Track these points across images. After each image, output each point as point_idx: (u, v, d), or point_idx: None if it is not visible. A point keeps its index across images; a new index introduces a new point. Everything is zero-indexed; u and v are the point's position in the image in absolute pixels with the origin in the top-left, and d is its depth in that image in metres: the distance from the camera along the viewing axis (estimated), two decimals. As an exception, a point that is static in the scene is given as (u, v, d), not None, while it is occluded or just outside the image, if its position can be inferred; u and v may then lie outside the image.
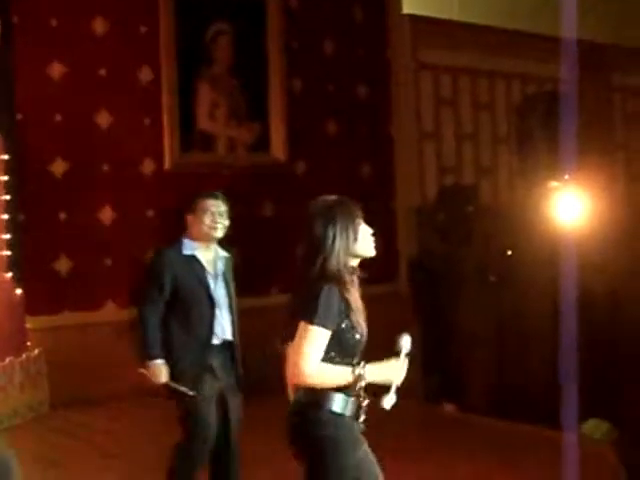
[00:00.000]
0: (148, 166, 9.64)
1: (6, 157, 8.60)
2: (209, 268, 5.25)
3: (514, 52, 12.91)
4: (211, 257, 5.28)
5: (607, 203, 8.24)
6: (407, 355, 3.63)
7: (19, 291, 8.65)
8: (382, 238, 11.82)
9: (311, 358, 3.42)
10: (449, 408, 8.58)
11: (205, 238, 5.24)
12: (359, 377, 3.51)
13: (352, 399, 3.54)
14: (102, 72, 9.35)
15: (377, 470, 3.63)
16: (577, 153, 8.44)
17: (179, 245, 5.25)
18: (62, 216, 9.20)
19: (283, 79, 10.50)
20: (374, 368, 3.55)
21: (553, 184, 5.13)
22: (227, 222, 5.27)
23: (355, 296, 3.59)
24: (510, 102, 13.18)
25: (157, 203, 9.61)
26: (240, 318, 5.51)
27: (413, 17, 11.91)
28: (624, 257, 8.50)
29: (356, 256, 3.65)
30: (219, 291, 5.26)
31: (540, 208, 6.76)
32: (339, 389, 3.52)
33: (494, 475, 6.51)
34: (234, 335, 5.32)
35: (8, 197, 8.62)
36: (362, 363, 3.53)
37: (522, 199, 11.40)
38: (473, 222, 9.56)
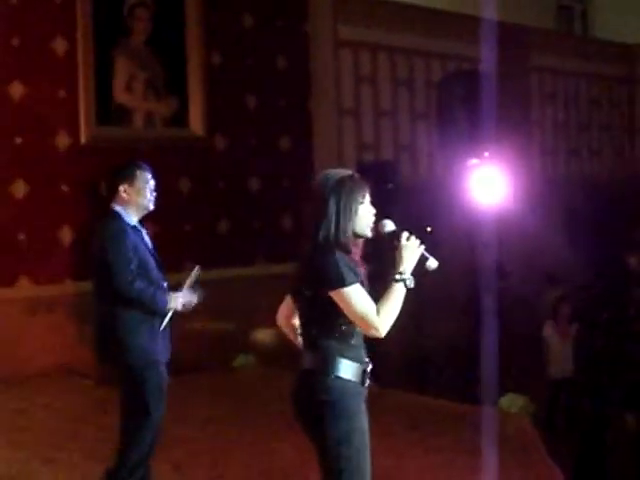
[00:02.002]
0: (63, 139, 9.43)
1: None
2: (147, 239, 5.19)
3: (433, 31, 12.97)
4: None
5: (523, 179, 8.34)
6: (397, 232, 3.76)
7: None
8: (300, 217, 11.80)
9: (370, 313, 3.60)
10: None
11: (143, 210, 5.14)
12: (405, 281, 3.67)
13: (357, 365, 3.69)
14: (15, 42, 9.10)
15: (367, 440, 3.74)
16: (496, 131, 8.52)
17: (120, 215, 5.07)
18: (-27, 190, 8.98)
19: (202, 52, 10.36)
20: (404, 264, 3.68)
21: (473, 161, 5.13)
22: None
23: (359, 268, 3.71)
24: (429, 80, 13.24)
25: (72, 177, 9.43)
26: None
27: (333, -8, 11.88)
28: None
29: (353, 233, 3.72)
30: None
31: (460, 185, 6.81)
32: (345, 355, 3.67)
33: (410, 450, 6.55)
34: None
35: None
36: (397, 274, 3.66)
37: (442, 176, 11.50)
38: (392, 199, 9.57)
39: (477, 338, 7.55)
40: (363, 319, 3.59)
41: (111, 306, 4.98)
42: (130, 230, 5.06)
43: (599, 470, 8.22)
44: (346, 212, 3.66)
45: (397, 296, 3.66)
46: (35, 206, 9.22)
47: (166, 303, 5.06)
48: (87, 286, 9.22)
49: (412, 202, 9.77)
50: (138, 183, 5.12)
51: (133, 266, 4.96)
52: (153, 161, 9.76)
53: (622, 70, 17.02)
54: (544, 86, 15.42)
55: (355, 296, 3.59)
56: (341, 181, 3.71)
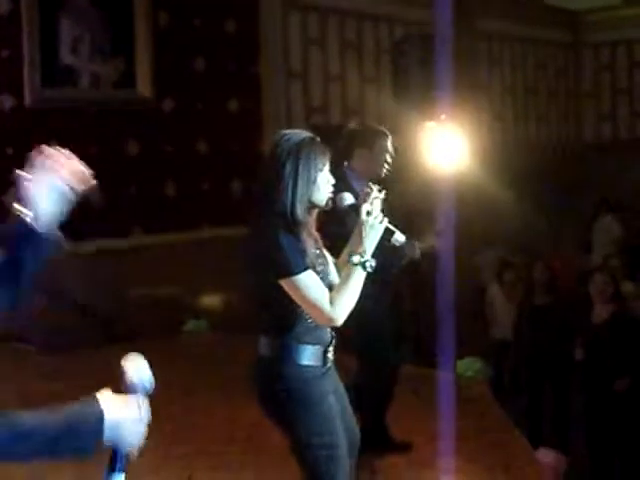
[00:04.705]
0: (7, 101, 9.21)
1: None
2: None
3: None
4: None
5: (474, 144, 8.33)
6: (357, 205, 3.50)
7: None
8: (249, 180, 11.62)
9: (323, 302, 3.31)
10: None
11: (374, 177, 4.94)
12: (365, 264, 3.36)
13: (318, 347, 3.45)
14: (-44, 0, 8.87)
15: (338, 424, 3.51)
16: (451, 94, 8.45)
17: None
18: None
19: (149, 13, 10.16)
20: (364, 243, 3.36)
21: (429, 124, 5.09)
22: None
23: (309, 242, 3.42)
24: (378, 44, 13.17)
25: (17, 140, 9.22)
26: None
27: (281, -46, 11.74)
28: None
29: (310, 203, 3.42)
30: None
31: (416, 148, 6.78)
32: (303, 340, 3.41)
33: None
34: None
35: None
36: (356, 256, 3.35)
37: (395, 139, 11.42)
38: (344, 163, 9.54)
39: (440, 299, 7.52)
40: (315, 308, 3.30)
41: None
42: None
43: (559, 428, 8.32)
44: (304, 179, 3.35)
45: (355, 281, 3.35)
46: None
47: None
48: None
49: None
50: (377, 148, 5.03)
51: None
52: (100, 123, 9.76)
53: (568, 36, 17.10)
54: (491, 51, 15.44)
55: (305, 284, 3.27)
56: (300, 144, 3.39)
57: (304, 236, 3.39)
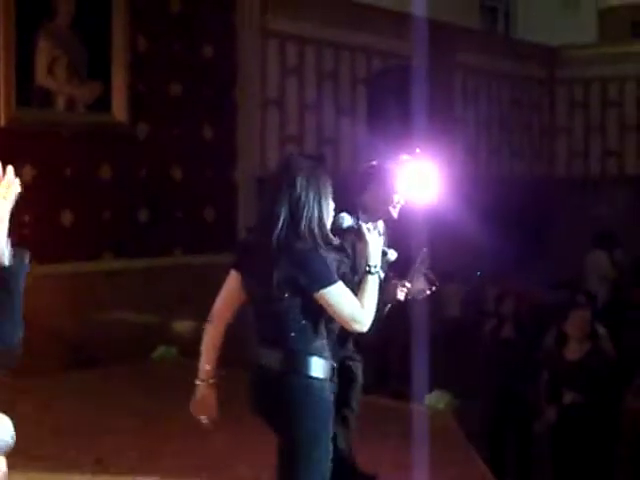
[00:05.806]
0: (-19, 121, 9.17)
1: None
2: None
3: (360, 25, 12.95)
4: None
5: (448, 177, 8.36)
6: (356, 226, 3.88)
7: None
8: (222, 207, 11.58)
9: (356, 310, 3.57)
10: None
11: (383, 214, 4.99)
12: (377, 271, 3.70)
13: (327, 361, 3.62)
14: None
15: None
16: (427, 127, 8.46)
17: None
18: None
19: (127, 37, 10.14)
20: (373, 256, 3.69)
21: (404, 157, 5.10)
22: None
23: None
24: (355, 74, 13.22)
25: (-10, 160, 9.17)
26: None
27: (261, -17, 11.78)
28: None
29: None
30: None
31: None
32: (315, 353, 3.57)
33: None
34: None
35: None
36: (371, 267, 3.67)
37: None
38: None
39: (414, 332, 7.55)
40: (350, 316, 3.56)
41: None
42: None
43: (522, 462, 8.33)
44: (325, 203, 3.59)
45: (374, 288, 3.66)
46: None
47: None
48: None
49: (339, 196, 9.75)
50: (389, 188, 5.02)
51: None
52: (74, 146, 9.71)
53: (543, 71, 17.23)
54: (467, 85, 15.53)
55: (339, 294, 3.53)
56: (316, 169, 3.64)
57: (325, 253, 3.62)
